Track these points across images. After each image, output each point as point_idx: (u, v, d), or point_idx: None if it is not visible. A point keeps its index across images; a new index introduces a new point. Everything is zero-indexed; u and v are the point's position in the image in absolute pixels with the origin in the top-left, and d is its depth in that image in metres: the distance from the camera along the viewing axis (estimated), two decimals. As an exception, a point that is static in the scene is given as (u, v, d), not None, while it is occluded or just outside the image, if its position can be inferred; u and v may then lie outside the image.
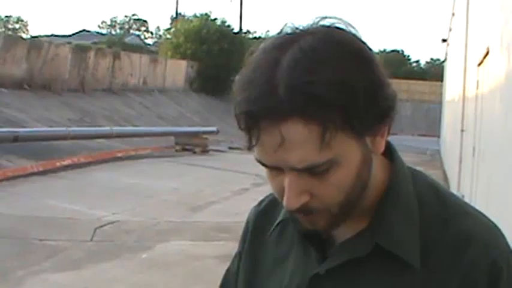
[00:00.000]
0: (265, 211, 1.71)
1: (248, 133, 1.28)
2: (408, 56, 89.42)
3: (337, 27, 1.32)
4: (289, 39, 1.29)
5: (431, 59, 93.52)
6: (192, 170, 20.72)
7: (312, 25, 1.33)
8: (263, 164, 1.32)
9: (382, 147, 1.38)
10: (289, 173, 1.30)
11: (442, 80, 40.24)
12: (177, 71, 42.32)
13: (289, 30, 1.32)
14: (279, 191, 1.36)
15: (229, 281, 1.79)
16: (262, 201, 1.76)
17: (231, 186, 17.27)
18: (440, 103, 39.49)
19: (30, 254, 9.74)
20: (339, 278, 1.43)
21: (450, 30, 28.16)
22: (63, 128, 21.80)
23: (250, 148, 1.30)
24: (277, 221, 1.61)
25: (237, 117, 1.29)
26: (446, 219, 1.41)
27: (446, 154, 25.42)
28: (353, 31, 1.33)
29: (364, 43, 1.33)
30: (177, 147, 25.94)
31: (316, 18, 1.34)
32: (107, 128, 24.53)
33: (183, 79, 43.05)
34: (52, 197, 14.10)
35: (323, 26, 1.33)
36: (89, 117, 27.63)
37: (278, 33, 1.34)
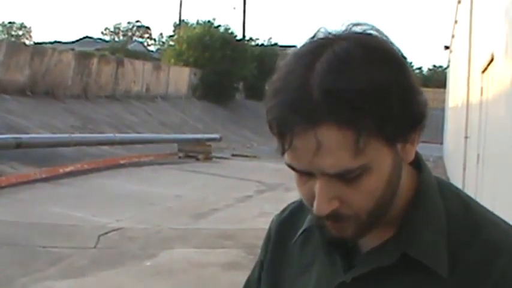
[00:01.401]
0: (288, 219, 1.70)
1: (281, 138, 1.28)
2: (411, 62, 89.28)
3: (370, 34, 1.33)
4: (323, 44, 1.29)
5: (434, 65, 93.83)
6: (195, 177, 20.71)
7: (344, 31, 1.33)
8: (294, 169, 1.32)
9: (412, 155, 1.38)
10: (320, 178, 1.30)
11: (444, 87, 40.25)
12: (180, 78, 42.33)
13: (322, 36, 1.32)
14: (308, 197, 1.35)
15: None
16: (285, 209, 1.75)
17: (235, 193, 17.23)
18: (443, 110, 39.45)
19: (33, 261, 9.71)
20: (365, 286, 1.42)
21: (453, 37, 28.19)
22: (66, 135, 21.82)
23: (282, 153, 1.29)
24: (301, 229, 1.59)
25: (269, 122, 1.29)
26: (474, 229, 1.40)
27: (449, 161, 25.40)
28: (385, 38, 1.33)
29: (397, 50, 1.33)
30: (180, 154, 25.94)
31: (349, 24, 1.34)
32: (110, 134, 24.55)
33: (186, 86, 43.05)
34: (55, 204, 14.08)
35: (355, 32, 1.32)
36: (92, 124, 27.62)
37: (311, 39, 1.33)
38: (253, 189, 18.09)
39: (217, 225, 12.94)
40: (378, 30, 1.34)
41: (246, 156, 28.65)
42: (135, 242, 11.19)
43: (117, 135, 24.54)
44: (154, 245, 11.01)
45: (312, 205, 1.33)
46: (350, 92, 1.22)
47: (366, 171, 1.28)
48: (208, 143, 27.11)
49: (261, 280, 1.72)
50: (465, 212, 1.43)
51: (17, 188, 15.74)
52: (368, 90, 1.23)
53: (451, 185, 1.52)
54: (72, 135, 22.01)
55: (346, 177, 1.28)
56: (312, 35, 1.34)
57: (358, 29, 1.33)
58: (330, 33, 1.32)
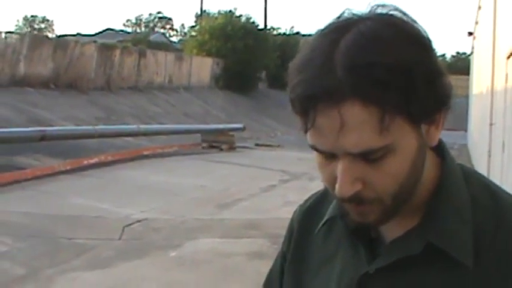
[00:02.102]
0: (311, 209, 1.68)
1: (304, 116, 1.26)
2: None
3: (394, 15, 1.32)
4: (348, 23, 1.28)
5: (457, 52, 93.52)
6: (219, 167, 20.70)
7: (369, 12, 1.31)
8: (316, 150, 1.29)
9: (436, 139, 1.36)
10: (343, 158, 1.27)
11: (468, 74, 40.05)
12: (203, 68, 42.36)
13: (347, 15, 1.31)
14: (331, 180, 1.33)
15: (272, 281, 1.78)
16: (307, 200, 1.73)
17: (259, 182, 17.22)
18: (466, 97, 39.26)
19: (59, 252, 9.76)
20: (389, 277, 1.39)
21: (476, 23, 28.00)
22: (90, 127, 21.89)
23: (306, 131, 1.27)
24: (324, 219, 1.57)
25: (291, 101, 1.27)
26: (500, 218, 1.37)
27: (474, 148, 25.26)
28: (411, 19, 1.32)
29: (423, 31, 1.31)
30: (204, 145, 25.95)
31: (373, 6, 1.33)
32: (134, 126, 24.59)
33: (209, 76, 43.08)
34: (80, 196, 14.13)
35: (380, 13, 1.31)
36: (115, 115, 27.71)
37: (336, 18, 1.32)
38: (277, 179, 18.06)
39: (242, 215, 12.93)
40: (402, 12, 1.32)
41: (270, 145, 28.63)
42: (159, 233, 11.21)
43: (140, 126, 24.57)
44: (179, 236, 11.02)
45: (334, 188, 1.31)
46: (374, 68, 1.20)
47: (389, 152, 1.26)
48: (231, 133, 27.08)
49: (283, 272, 1.70)
50: (490, 200, 1.40)
51: (42, 180, 15.81)
52: (393, 66, 1.21)
53: (476, 172, 1.49)
54: (96, 127, 22.07)
55: (370, 158, 1.26)
56: (337, 15, 1.33)
57: (383, 10, 1.32)
58: (355, 14, 1.31)
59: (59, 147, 19.04)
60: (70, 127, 22.14)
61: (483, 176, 1.50)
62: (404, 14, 1.31)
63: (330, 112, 1.22)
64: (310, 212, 1.68)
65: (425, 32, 1.31)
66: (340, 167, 1.28)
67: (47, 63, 28.08)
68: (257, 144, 29.02)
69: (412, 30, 1.29)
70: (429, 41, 1.31)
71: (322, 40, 1.28)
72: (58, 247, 10.05)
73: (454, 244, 1.34)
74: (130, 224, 11.61)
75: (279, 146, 28.15)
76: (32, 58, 27.23)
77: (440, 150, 1.44)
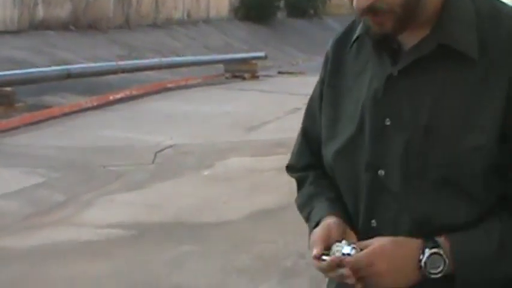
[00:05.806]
0: (342, 37, 1.93)
1: None
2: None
3: None
4: None
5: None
6: (243, 94, 20.79)
7: None
8: None
9: None
10: None
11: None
12: (221, 0, 42.05)
13: None
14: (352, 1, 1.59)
15: (312, 106, 2.06)
16: (338, 32, 1.98)
17: (283, 106, 17.29)
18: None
19: (95, 179, 9.98)
20: (409, 77, 1.66)
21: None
22: (113, 63, 21.91)
23: None
24: (354, 37, 1.82)
25: None
26: (500, 23, 1.63)
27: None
28: None
29: None
30: (227, 75, 25.89)
31: None
32: (156, 59, 24.54)
33: (227, 8, 42.70)
34: (110, 128, 14.27)
35: None
36: (137, 52, 27.65)
37: None
38: (302, 102, 17.68)
39: (269, 136, 13.08)
40: None
41: (292, 73, 28.53)
42: (191, 156, 11.40)
43: (163, 59, 24.54)
44: (210, 157, 11.19)
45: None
46: None
47: None
48: (254, 62, 27.01)
49: (322, 95, 1.96)
50: (492, 9, 1.66)
51: (71, 117, 15.89)
52: None
53: None
54: (119, 62, 22.09)
55: None
56: None
57: None
58: None
59: (83, 85, 19.16)
60: (94, 64, 22.13)
61: None
62: None
63: None
64: (341, 39, 1.92)
65: None
66: None
67: (64, 5, 28.04)
68: (280, 72, 28.93)
69: None
70: None
71: None
72: (93, 175, 10.27)
73: (461, 41, 1.61)
74: (161, 150, 11.80)
75: (301, 72, 28.06)
76: (49, 1, 27.19)
77: None
